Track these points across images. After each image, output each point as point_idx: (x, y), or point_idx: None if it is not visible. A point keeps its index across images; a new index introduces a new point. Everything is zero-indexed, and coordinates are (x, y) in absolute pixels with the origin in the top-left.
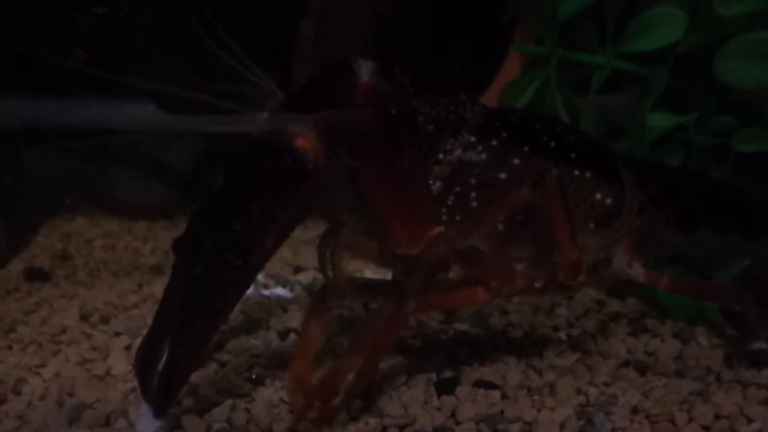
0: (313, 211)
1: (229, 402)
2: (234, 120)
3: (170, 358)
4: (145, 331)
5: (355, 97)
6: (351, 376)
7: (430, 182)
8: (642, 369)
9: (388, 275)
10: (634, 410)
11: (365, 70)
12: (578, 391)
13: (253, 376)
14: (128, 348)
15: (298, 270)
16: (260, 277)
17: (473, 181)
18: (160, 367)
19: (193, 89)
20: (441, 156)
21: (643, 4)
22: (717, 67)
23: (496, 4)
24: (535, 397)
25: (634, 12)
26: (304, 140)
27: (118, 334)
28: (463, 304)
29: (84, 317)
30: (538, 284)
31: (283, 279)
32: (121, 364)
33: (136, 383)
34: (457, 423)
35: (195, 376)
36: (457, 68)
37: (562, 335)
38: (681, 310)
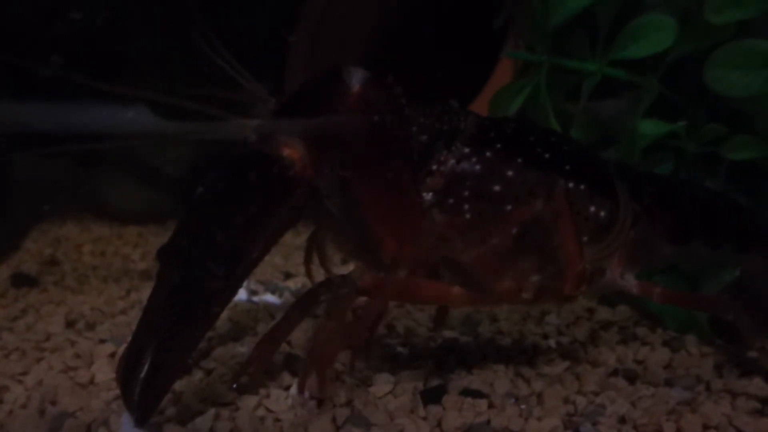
0: (304, 217)
1: (212, 411)
2: (223, 127)
3: (152, 367)
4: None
5: (344, 106)
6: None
7: (423, 194)
8: (631, 378)
9: None
10: (622, 420)
11: (356, 79)
12: (566, 401)
13: (234, 386)
14: (113, 355)
15: (288, 276)
16: (249, 283)
17: (467, 193)
18: (142, 376)
19: (184, 96)
20: (434, 167)
21: (634, 12)
22: (707, 75)
23: (488, 10)
24: (523, 407)
25: (625, 19)
26: (291, 150)
27: (103, 342)
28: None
29: (70, 324)
30: (526, 295)
31: (273, 285)
32: (104, 372)
33: (118, 391)
34: None
35: (179, 385)
36: (448, 75)
37: (552, 343)
38: (672, 318)
